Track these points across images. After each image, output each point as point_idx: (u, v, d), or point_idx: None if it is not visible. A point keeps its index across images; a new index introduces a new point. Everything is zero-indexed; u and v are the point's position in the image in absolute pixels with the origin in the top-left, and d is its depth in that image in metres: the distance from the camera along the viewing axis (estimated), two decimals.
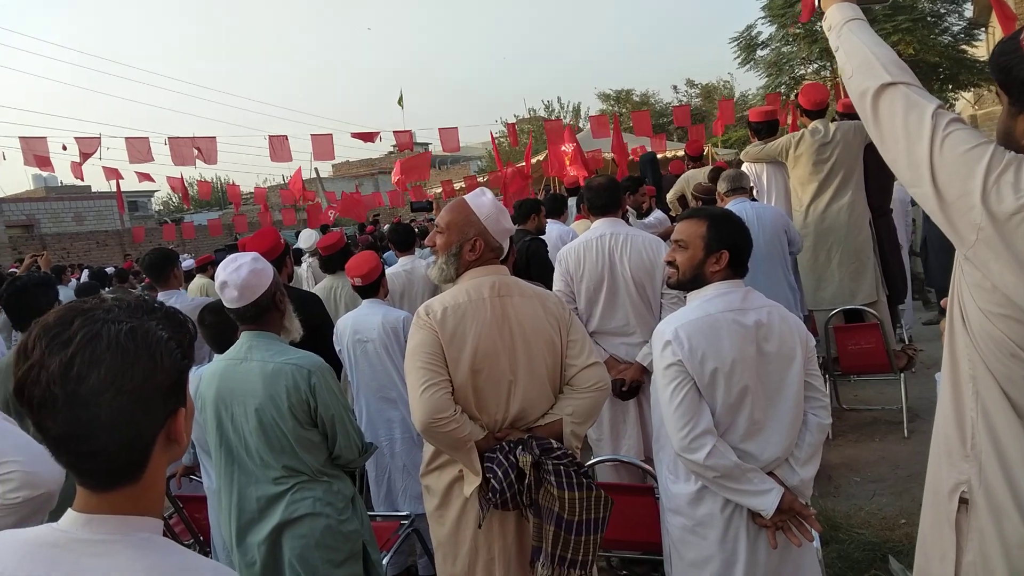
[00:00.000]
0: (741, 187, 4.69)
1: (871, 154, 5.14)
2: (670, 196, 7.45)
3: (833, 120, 5.24)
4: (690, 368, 2.11)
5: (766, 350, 2.16)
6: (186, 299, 4.38)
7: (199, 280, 7.60)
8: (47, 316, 1.00)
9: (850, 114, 5.30)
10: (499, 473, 2.11)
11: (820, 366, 3.65)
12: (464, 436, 2.13)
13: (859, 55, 1.58)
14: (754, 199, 4.78)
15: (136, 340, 0.98)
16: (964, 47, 18.20)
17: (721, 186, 4.78)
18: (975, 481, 1.45)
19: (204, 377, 2.48)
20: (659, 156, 10.32)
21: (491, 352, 2.21)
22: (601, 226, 3.58)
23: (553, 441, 2.20)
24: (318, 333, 3.62)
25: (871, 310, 5.08)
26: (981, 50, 20.30)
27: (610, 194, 3.63)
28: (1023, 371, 1.36)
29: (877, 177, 5.23)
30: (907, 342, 6.16)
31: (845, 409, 5.52)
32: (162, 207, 46.78)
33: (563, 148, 9.71)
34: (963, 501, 1.48)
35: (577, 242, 3.61)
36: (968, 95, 20.43)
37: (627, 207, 5.45)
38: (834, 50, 1.67)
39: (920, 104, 1.45)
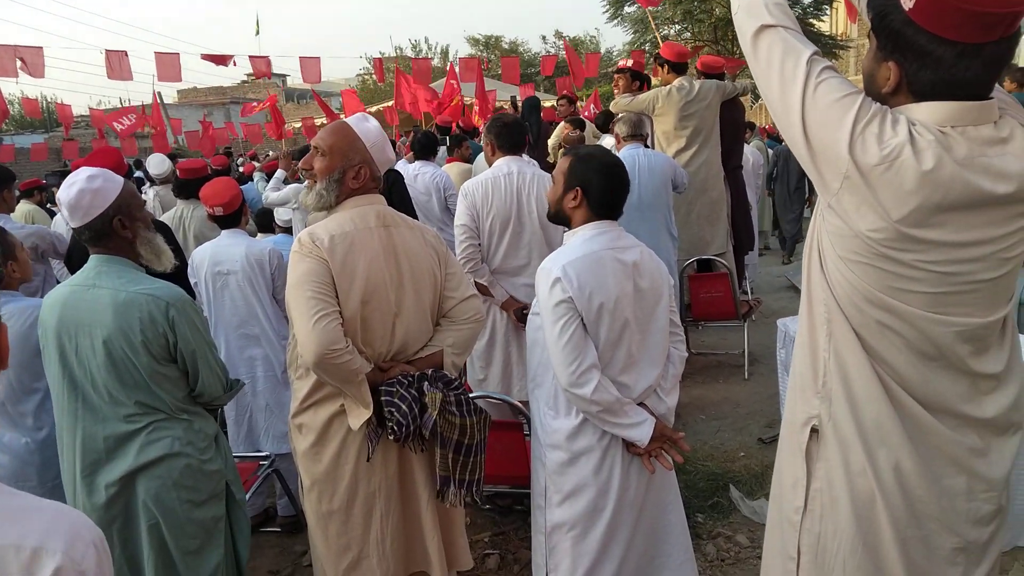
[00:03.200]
0: (640, 134, 4.83)
1: (724, 111, 5.42)
2: (552, 141, 7.50)
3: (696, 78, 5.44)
4: (579, 304, 2.14)
5: (641, 287, 2.24)
6: (15, 226, 3.92)
7: (24, 206, 6.86)
8: None
9: (709, 73, 5.52)
10: (403, 407, 2.09)
11: None
12: (357, 368, 2.08)
13: None
14: (647, 146, 4.92)
15: None
16: (812, 20, 19.36)
17: (621, 129, 4.87)
18: (824, 415, 1.55)
19: (46, 303, 2.22)
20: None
21: (380, 283, 2.15)
22: (507, 163, 3.52)
23: (447, 372, 2.23)
24: None
25: (722, 260, 5.41)
26: (827, 24, 21.72)
27: (520, 131, 3.64)
28: (877, 315, 1.45)
29: (729, 134, 5.52)
30: (750, 293, 6.64)
31: (693, 353, 5.88)
32: None
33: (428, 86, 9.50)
34: (814, 431, 1.59)
35: (483, 177, 3.54)
36: None
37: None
38: None
39: (797, 49, 1.46)
